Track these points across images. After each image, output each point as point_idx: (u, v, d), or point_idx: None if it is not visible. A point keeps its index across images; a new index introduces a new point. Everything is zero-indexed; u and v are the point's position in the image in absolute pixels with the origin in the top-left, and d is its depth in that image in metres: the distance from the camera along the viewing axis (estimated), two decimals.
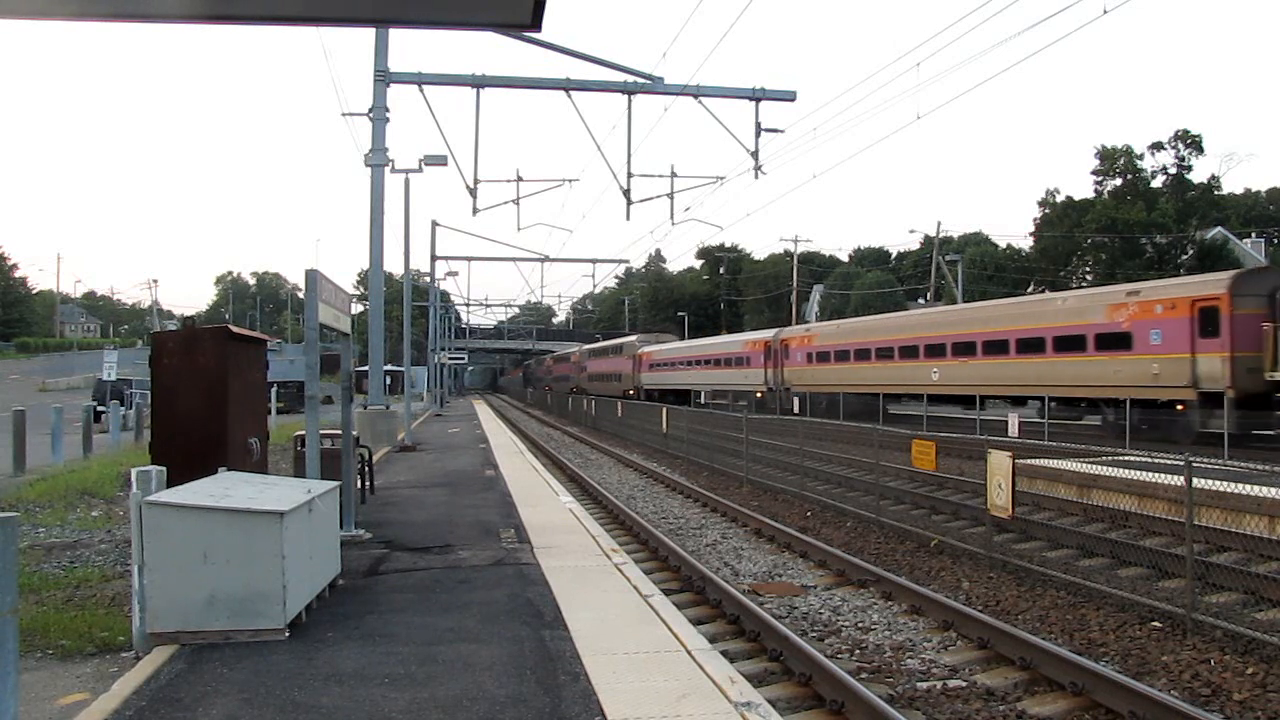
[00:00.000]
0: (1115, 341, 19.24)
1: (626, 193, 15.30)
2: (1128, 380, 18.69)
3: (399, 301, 31.55)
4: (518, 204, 18.35)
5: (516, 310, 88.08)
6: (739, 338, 40.82)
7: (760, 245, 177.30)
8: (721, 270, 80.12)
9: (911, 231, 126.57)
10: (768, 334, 36.89)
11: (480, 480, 13.55)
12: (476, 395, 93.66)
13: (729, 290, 78.55)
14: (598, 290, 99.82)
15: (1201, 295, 17.94)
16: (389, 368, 37.62)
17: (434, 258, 32.20)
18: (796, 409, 29.40)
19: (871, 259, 78.87)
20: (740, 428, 17.28)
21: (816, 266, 71.46)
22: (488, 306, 61.59)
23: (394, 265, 27.53)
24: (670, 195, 16.95)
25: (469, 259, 33.89)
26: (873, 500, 12.16)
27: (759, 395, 35.01)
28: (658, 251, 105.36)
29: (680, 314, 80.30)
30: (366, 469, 11.17)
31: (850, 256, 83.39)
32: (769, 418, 22.94)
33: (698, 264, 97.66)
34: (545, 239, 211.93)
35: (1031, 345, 21.37)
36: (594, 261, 32.15)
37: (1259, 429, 16.59)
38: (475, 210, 16.03)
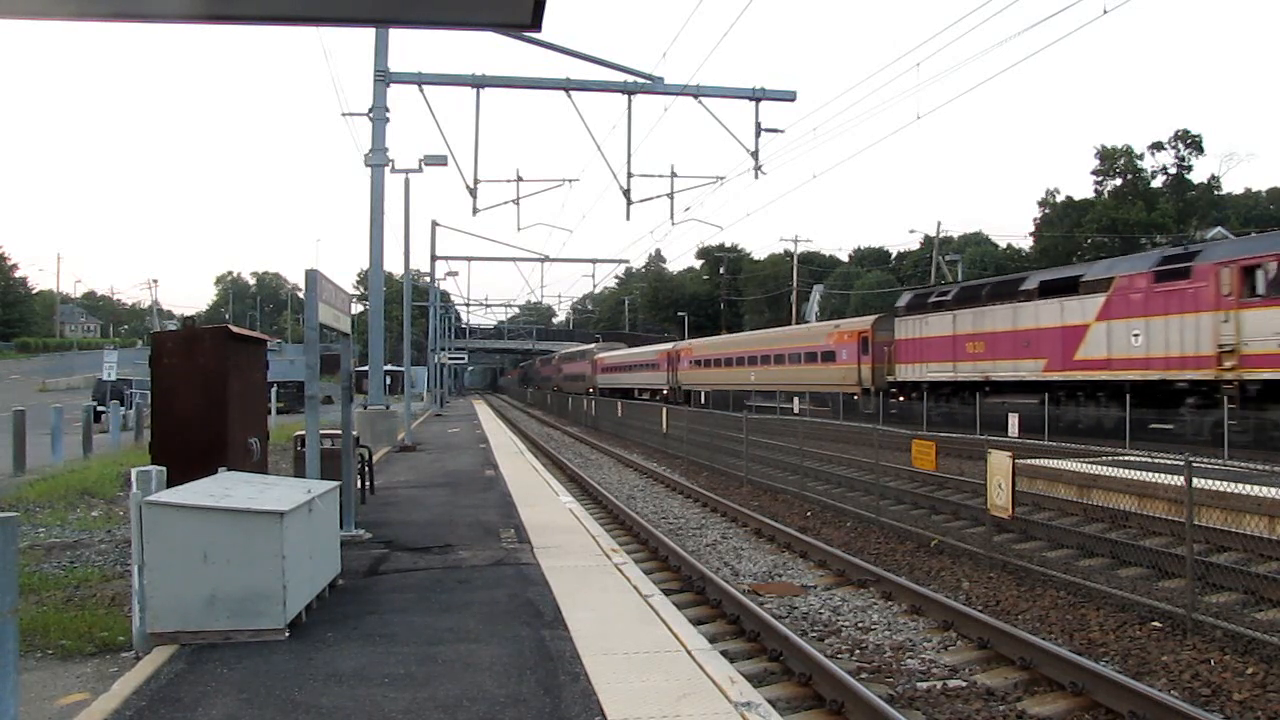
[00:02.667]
0: (827, 357, 30.90)
1: (626, 193, 15.30)
2: (836, 380, 30.08)
3: (399, 301, 31.51)
4: (517, 204, 18.36)
5: (516, 310, 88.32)
6: (655, 349, 51.87)
7: (760, 245, 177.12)
8: (721, 270, 79.68)
9: (911, 231, 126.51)
10: (669, 346, 49.17)
11: (480, 480, 13.54)
12: (476, 395, 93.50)
13: (729, 290, 78.27)
14: (598, 290, 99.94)
15: (861, 329, 29.41)
16: (389, 368, 37.53)
17: (434, 257, 32.19)
18: (694, 402, 38.30)
19: (872, 259, 78.65)
20: (740, 427, 17.29)
21: (816, 266, 71.17)
22: (488, 307, 61.72)
23: (394, 265, 27.65)
24: (670, 195, 16.95)
25: (469, 259, 33.89)
26: (873, 500, 12.11)
27: (665, 393, 45.64)
28: (658, 251, 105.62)
29: (680, 314, 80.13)
30: (366, 469, 11.15)
31: (850, 256, 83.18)
32: (770, 418, 23.04)
33: (698, 264, 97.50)
34: (545, 239, 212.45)
35: (793, 358, 33.26)
36: (594, 261, 32.13)
37: (891, 404, 27.08)
38: (475, 210, 16.03)
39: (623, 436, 27.78)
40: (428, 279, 38.93)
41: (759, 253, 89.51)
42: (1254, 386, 16.49)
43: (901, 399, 26.95)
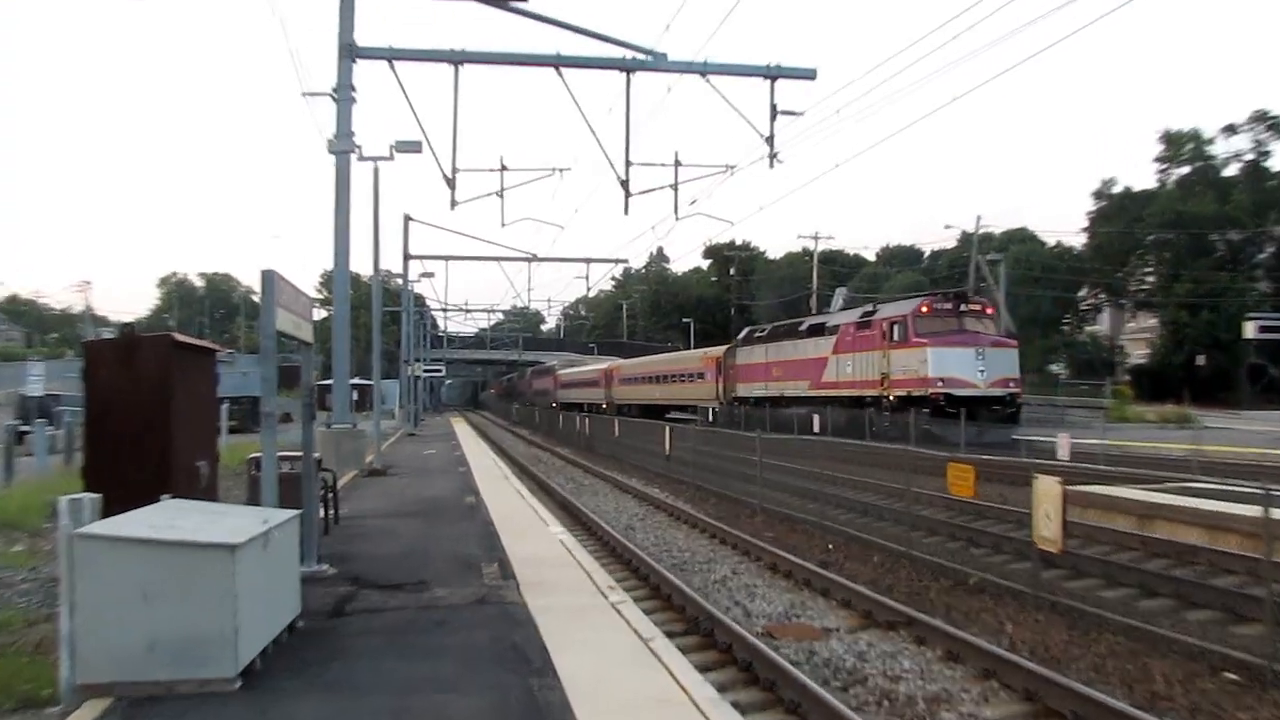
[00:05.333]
0: (700, 376, 43.10)
1: (625, 184, 15.36)
2: (705, 396, 41.94)
3: (367, 307, 31.57)
4: (501, 196, 18.46)
5: (500, 316, 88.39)
6: (595, 367, 63.40)
7: (776, 243, 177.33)
8: (732, 271, 79.82)
9: (947, 228, 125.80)
10: (605, 365, 60.86)
11: (459, 508, 13.56)
12: (455, 412, 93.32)
13: (740, 294, 78.38)
14: (592, 294, 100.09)
15: (718, 356, 41.38)
16: (356, 381, 37.58)
17: (407, 257, 32.23)
18: (625, 414, 47.11)
19: (902, 259, 78.87)
20: (754, 449, 17.43)
21: (840, 267, 71.27)
22: (468, 312, 61.46)
23: (362, 265, 27.70)
24: (674, 186, 17.01)
25: (447, 258, 33.91)
26: (903, 531, 12.15)
27: (603, 406, 55.85)
28: (659, 250, 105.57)
29: (685, 320, 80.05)
30: (330, 496, 11.22)
31: (878, 256, 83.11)
32: (785, 437, 23.21)
33: (705, 264, 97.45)
34: (533, 236, 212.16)
35: (682, 377, 45.74)
36: (588, 261, 32.12)
37: (735, 413, 36.24)
38: (454, 203, 16.12)
39: (620, 459, 28.10)
40: (400, 281, 39.08)
41: (774, 251, 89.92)
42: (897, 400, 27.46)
43: (742, 408, 37.70)
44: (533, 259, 30.29)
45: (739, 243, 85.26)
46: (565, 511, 17.39)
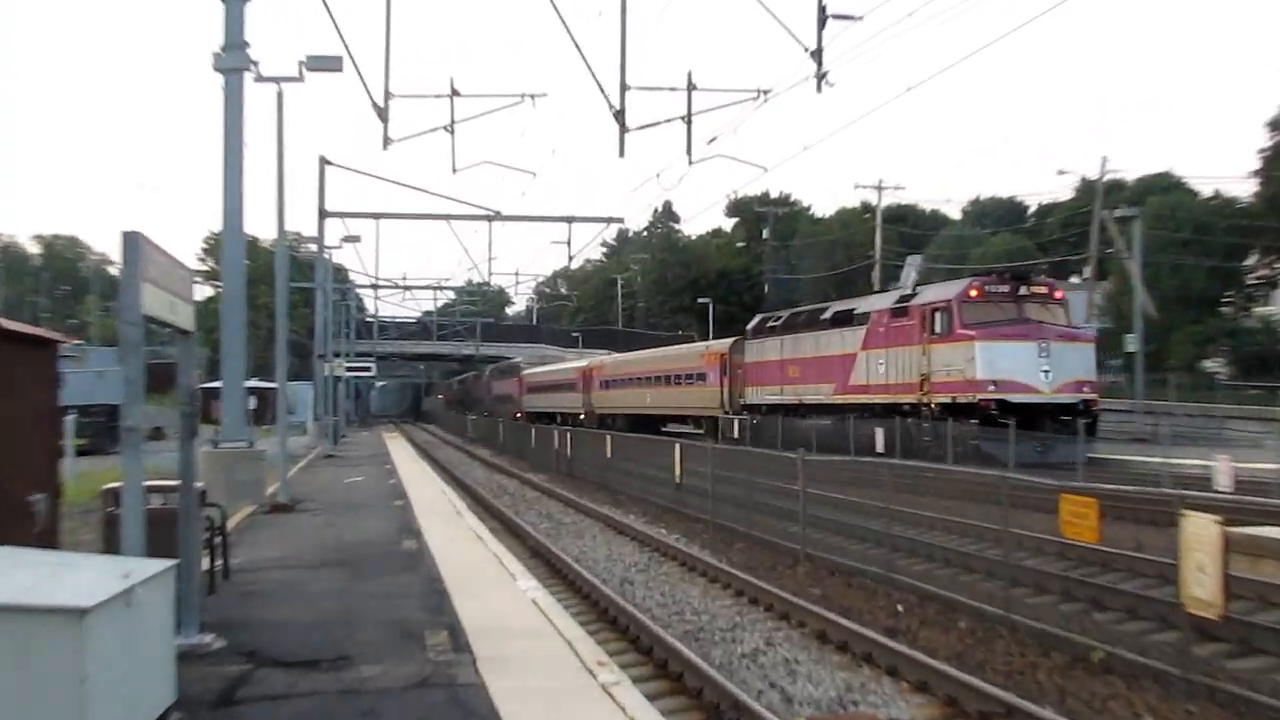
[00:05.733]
0: (700, 378, 44.28)
1: (619, 115, 15.38)
2: (707, 403, 43.05)
3: (269, 282, 31.27)
4: (452, 132, 18.50)
5: (452, 296, 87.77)
6: (572, 366, 64.63)
7: (825, 196, 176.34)
8: (765, 234, 78.35)
9: (1061, 174, 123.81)
10: (583, 364, 61.74)
11: (395, 556, 13.50)
12: (390, 425, 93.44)
13: (776, 263, 76.90)
14: (576, 265, 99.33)
15: (722, 351, 42.84)
16: (255, 384, 37.35)
17: (323, 214, 31.95)
18: (610, 427, 46.66)
19: (997, 216, 78.60)
20: (793, 474, 17.33)
21: (912, 228, 70.74)
22: (407, 290, 60.99)
23: (263, 226, 27.51)
24: (686, 119, 17.00)
25: (377, 216, 33.51)
26: (1000, 587, 12.12)
27: (581, 416, 57.82)
28: (667, 206, 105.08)
29: (700, 300, 79.66)
30: (219, 540, 11.19)
31: (964, 212, 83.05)
32: (837, 459, 23.47)
33: (728, 224, 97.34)
34: (495, 187, 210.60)
35: (678, 378, 46.43)
36: (569, 220, 31.50)
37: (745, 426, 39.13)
38: (387, 141, 16.14)
39: (613, 488, 28.40)
40: (314, 248, 39.02)
41: (823, 207, 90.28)
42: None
43: (753, 419, 39.27)
44: (495, 217, 30.03)
45: (775, 195, 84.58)
46: (540, 560, 17.41)
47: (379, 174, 66.07)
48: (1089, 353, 28.78)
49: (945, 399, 28.26)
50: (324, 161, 29.24)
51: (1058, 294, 30.06)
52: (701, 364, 45.55)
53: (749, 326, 42.66)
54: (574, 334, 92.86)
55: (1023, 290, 29.09)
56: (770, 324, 40.03)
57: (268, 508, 19.07)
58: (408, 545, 14.60)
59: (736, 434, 39.84)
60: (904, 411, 30.15)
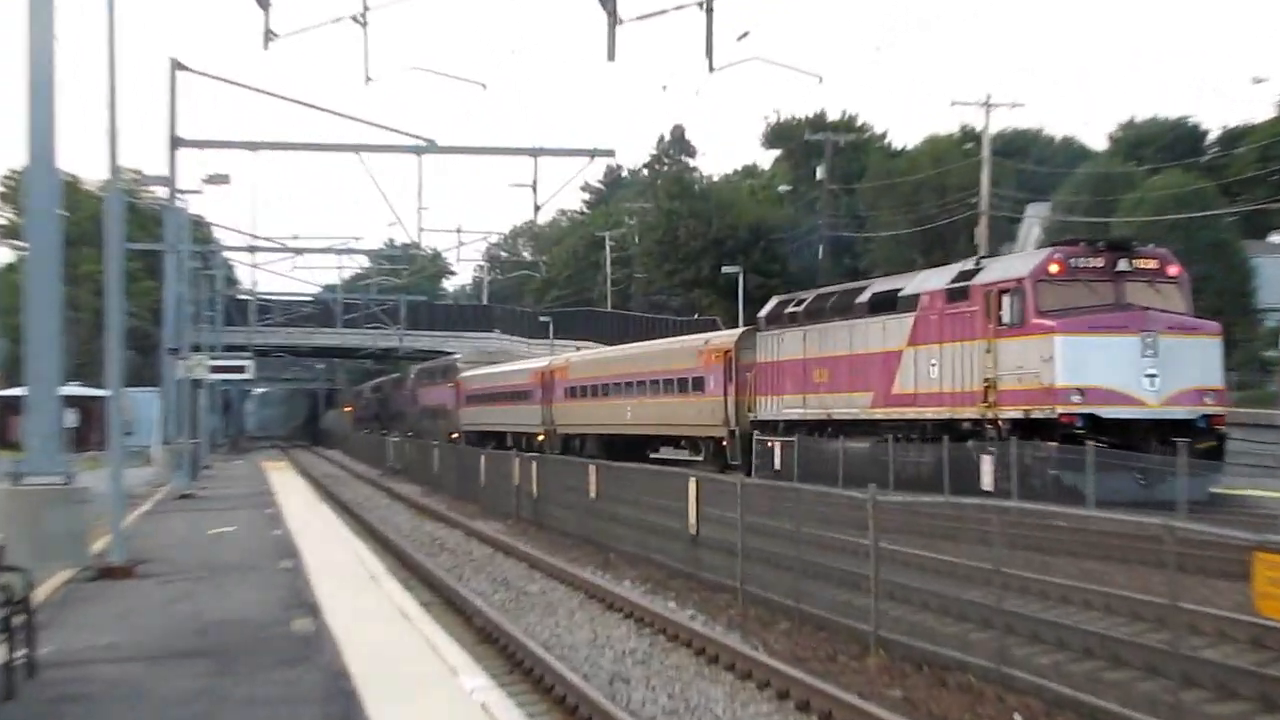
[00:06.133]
0: (697, 385, 45.96)
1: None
2: (706, 420, 45.88)
3: (96, 243, 30.69)
4: (364, 23, 17.77)
5: (365, 264, 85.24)
6: (526, 366, 62.57)
7: (907, 120, 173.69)
8: (820, 173, 68.73)
9: (1257, 82, 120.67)
10: (542, 364, 59.50)
11: (282, 642, 12.92)
12: (274, 448, 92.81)
13: (836, 216, 69.10)
14: (545, 220, 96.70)
15: (727, 346, 44.23)
16: (74, 391, 36.76)
17: (175, 143, 31.39)
18: (577, 454, 47.95)
19: (1159, 145, 68.91)
20: (860, 523, 16.85)
21: (1034, 163, 64.98)
22: (298, 254, 57.90)
23: (86, 163, 26.46)
24: (704, 4, 16.48)
25: (254, 146, 32.58)
26: (1166, 690, 11.49)
27: (540, 438, 56.39)
28: (678, 135, 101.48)
29: (724, 268, 70.25)
30: (20, 621, 10.63)
31: (1113, 140, 75.12)
32: (918, 500, 22.81)
33: (766, 159, 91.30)
34: (429, 107, 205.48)
35: (667, 385, 48.59)
36: (535, 154, 30.92)
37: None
38: (269, 36, 15.30)
39: (599, 541, 27.96)
40: (162, 193, 38.14)
41: (903, 135, 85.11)
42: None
43: (769, 444, 37.71)
44: (428, 149, 29.70)
45: (834, 118, 77.50)
46: (493, 647, 16.84)
47: (258, 86, 58.73)
48: (1214, 350, 27.79)
49: (1015, 413, 27.34)
50: (176, 66, 28.60)
51: (1171, 270, 28.61)
52: (698, 365, 43.67)
53: (762, 313, 40.67)
54: (542, 317, 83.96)
55: (1123, 265, 27.92)
56: (790, 309, 38.28)
57: (95, 572, 18.41)
58: (300, 626, 13.82)
59: (742, 463, 38.12)
60: (963, 431, 28.99)
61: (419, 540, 32.18)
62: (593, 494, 28.60)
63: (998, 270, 29.57)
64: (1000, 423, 27.88)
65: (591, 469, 29.70)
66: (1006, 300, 28.11)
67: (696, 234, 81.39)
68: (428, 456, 54.28)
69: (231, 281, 66.93)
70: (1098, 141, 77.70)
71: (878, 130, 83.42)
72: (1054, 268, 27.88)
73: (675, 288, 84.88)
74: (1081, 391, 26.39)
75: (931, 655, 14.52)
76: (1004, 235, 57.29)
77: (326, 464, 77.12)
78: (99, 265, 27.34)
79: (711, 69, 16.31)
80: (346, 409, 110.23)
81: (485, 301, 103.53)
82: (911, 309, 31.73)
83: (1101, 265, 28.31)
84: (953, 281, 30.64)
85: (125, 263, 24.30)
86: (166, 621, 14.62)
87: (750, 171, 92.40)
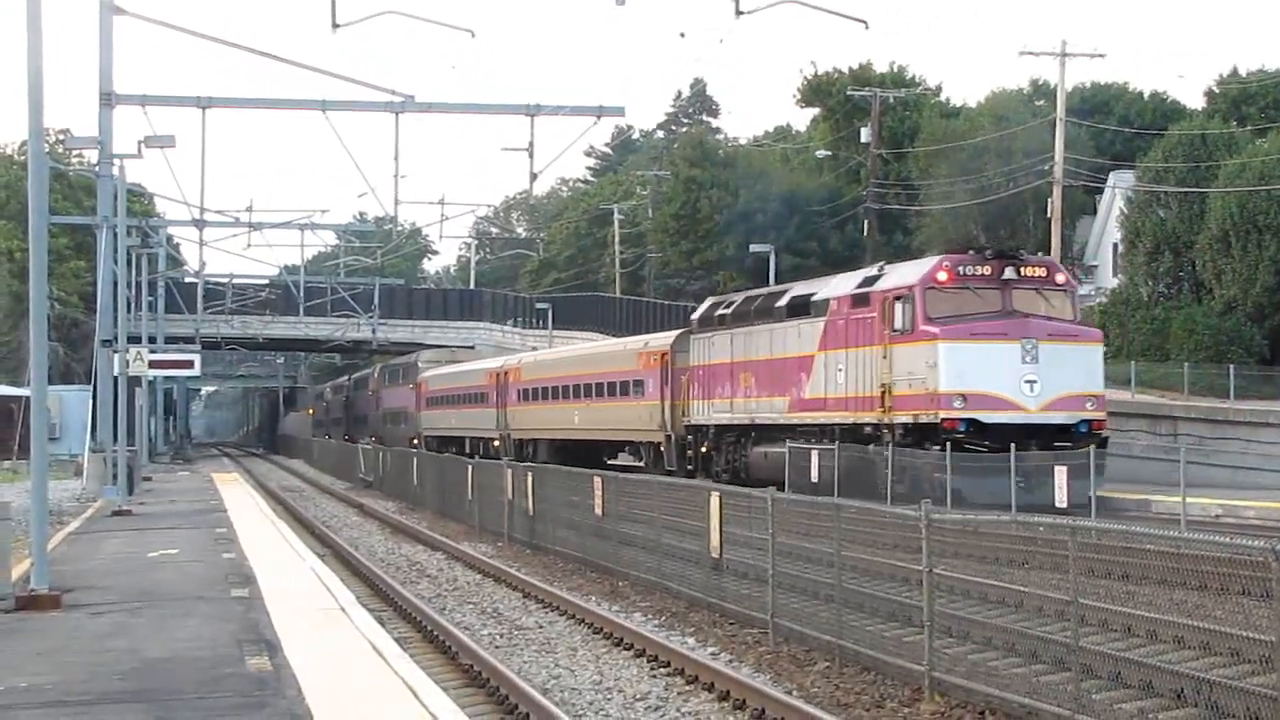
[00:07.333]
0: (637, 388, 47.11)
1: None
2: (644, 424, 46.69)
3: (17, 216, 29.87)
4: None
5: (332, 241, 77.72)
6: (482, 366, 61.75)
7: (968, 74, 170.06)
8: (866, 136, 65.63)
9: None
10: (497, 364, 59.53)
11: (234, 685, 12.61)
12: (225, 458, 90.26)
13: (885, 184, 65.21)
14: (543, 190, 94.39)
15: (663, 349, 45.37)
16: None
17: (109, 99, 30.54)
18: (531, 458, 47.56)
19: (1267, 103, 61.95)
20: (912, 545, 16.26)
21: (1117, 125, 61.03)
22: (254, 229, 50.66)
23: (5, 122, 24.92)
24: None
25: (204, 104, 31.36)
26: None
27: (495, 443, 56.52)
28: (699, 91, 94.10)
29: (754, 247, 63.48)
30: None
31: (1209, 97, 67.23)
32: (968, 518, 21.71)
33: (802, 120, 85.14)
34: (407, 61, 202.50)
35: (610, 389, 49.72)
36: (531, 113, 30.03)
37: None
38: None
39: (601, 565, 27.41)
40: (93, 158, 36.47)
41: (963, 91, 75.77)
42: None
43: (700, 447, 39.09)
44: (406, 106, 28.88)
45: (882, 71, 71.00)
46: (482, 691, 16.09)
47: (208, 33, 59.39)
48: (1094, 357, 29.24)
49: (907, 418, 28.67)
50: (111, 8, 28.01)
51: (1059, 278, 30.23)
52: (638, 368, 45.30)
53: (694, 315, 42.68)
54: (539, 304, 78.67)
55: (1010, 273, 29.54)
56: (720, 311, 40.13)
57: (14, 602, 18.34)
58: (255, 667, 13.55)
59: (678, 469, 39.95)
60: (865, 435, 30.27)
61: (394, 565, 31.77)
62: (598, 510, 27.81)
63: (894, 278, 31.18)
64: (895, 426, 29.41)
65: (597, 481, 28.98)
66: (899, 307, 29.73)
67: (720, 206, 76.20)
68: (406, 467, 52.18)
69: (176, 262, 64.26)
70: (1193, 98, 71.38)
71: (932, 85, 76.59)
72: (942, 275, 29.65)
73: (695, 269, 79.53)
74: (964, 397, 28.15)
75: (996, 700, 14.17)
76: (1081, 208, 55.53)
77: (286, 475, 75.58)
78: (19, 241, 26.17)
79: (739, 12, 15.11)
80: (308, 413, 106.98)
81: (472, 285, 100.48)
82: (823, 314, 33.17)
83: (989, 273, 29.96)
84: (857, 287, 32.04)
85: (48, 239, 23.07)
86: (98, 660, 14.51)
87: (783, 133, 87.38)
